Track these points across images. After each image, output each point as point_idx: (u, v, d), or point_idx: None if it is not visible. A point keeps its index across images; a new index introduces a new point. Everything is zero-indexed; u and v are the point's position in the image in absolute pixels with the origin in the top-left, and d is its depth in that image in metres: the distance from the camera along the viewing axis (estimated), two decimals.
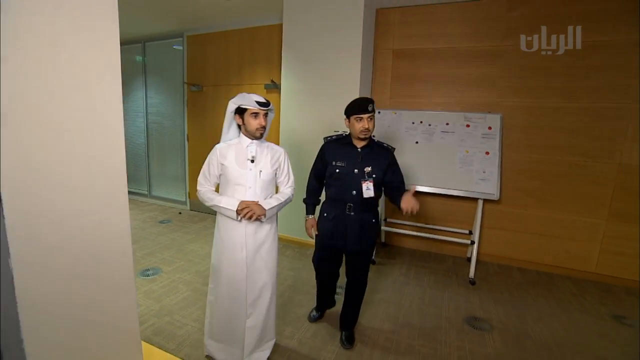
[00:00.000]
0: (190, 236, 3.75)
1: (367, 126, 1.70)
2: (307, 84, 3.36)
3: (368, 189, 1.73)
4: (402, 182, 1.84)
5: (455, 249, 3.43)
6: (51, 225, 1.07)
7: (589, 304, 2.60)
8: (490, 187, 2.96)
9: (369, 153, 1.78)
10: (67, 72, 1.06)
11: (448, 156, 3.13)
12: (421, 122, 3.29)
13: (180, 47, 4.55)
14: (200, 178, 1.65)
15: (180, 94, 4.66)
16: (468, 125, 3.12)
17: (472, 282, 2.88)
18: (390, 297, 2.59)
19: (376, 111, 3.55)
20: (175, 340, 1.97)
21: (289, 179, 1.75)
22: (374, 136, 1.89)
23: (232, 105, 1.60)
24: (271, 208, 1.61)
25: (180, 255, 3.22)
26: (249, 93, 1.58)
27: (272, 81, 3.86)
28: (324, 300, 2.20)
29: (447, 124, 3.18)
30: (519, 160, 3.11)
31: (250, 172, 1.59)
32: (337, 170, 1.78)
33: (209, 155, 1.64)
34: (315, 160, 1.93)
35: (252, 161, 1.60)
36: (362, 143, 1.79)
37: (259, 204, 1.57)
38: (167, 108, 4.86)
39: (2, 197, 0.93)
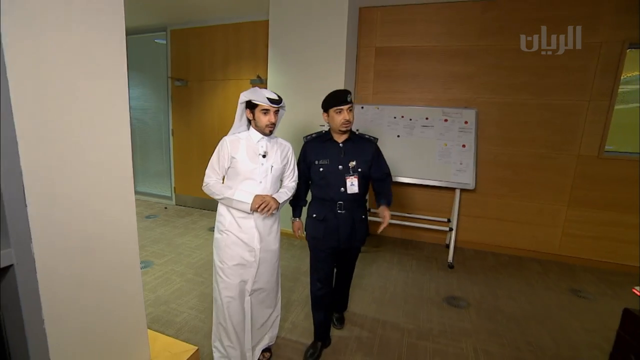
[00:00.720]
0: (178, 230, 3.77)
1: (347, 117, 1.64)
2: (293, 80, 3.45)
3: (352, 185, 1.69)
4: (388, 174, 1.82)
5: (435, 236, 3.66)
6: (66, 212, 1.15)
7: (552, 281, 2.89)
8: (466, 178, 3.19)
9: (351, 147, 1.72)
10: (78, 79, 1.13)
11: (428, 149, 3.33)
12: (402, 116, 3.46)
13: (164, 41, 4.50)
14: (208, 170, 1.62)
15: (164, 89, 4.62)
16: (446, 120, 3.33)
17: (451, 266, 3.11)
18: (375, 281, 2.77)
19: (359, 106, 3.76)
20: (173, 327, 2.05)
21: (294, 173, 1.77)
22: (357, 130, 1.89)
23: (242, 97, 1.58)
24: (283, 202, 1.66)
25: (170, 248, 3.26)
26: (261, 88, 1.57)
27: (258, 76, 3.91)
28: (322, 324, 1.91)
29: (427, 118, 3.38)
30: (492, 153, 3.36)
31: (262, 167, 1.60)
32: (321, 169, 1.72)
33: (217, 147, 1.61)
34: (298, 162, 1.83)
35: (264, 156, 1.61)
36: (343, 137, 1.73)
37: (273, 197, 1.60)
38: (151, 103, 4.79)
39: (25, 187, 0.99)
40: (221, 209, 1.66)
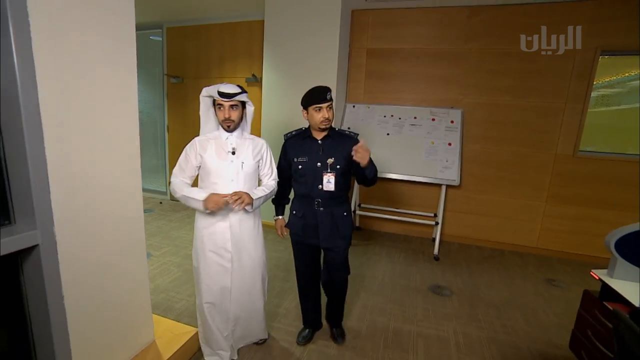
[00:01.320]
0: (174, 224, 3.86)
1: (327, 116, 1.61)
2: (287, 79, 3.57)
3: (329, 182, 1.66)
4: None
5: (422, 230, 3.84)
6: (83, 201, 1.26)
7: (529, 272, 3.09)
8: (452, 175, 3.37)
9: (330, 144, 1.70)
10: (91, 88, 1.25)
11: (416, 147, 3.50)
12: (392, 115, 3.62)
13: (159, 38, 4.56)
14: (175, 169, 1.59)
15: (160, 85, 4.68)
16: (433, 119, 3.50)
17: (437, 258, 3.29)
18: (365, 272, 2.92)
19: (351, 105, 3.89)
20: (173, 312, 2.17)
21: (272, 171, 1.74)
22: (344, 128, 1.87)
23: (203, 92, 1.55)
24: (258, 198, 1.59)
25: (167, 241, 3.35)
26: (223, 83, 1.51)
27: (253, 75, 4.02)
28: (309, 313, 2.02)
29: (415, 117, 3.54)
30: (477, 151, 3.54)
31: (232, 163, 1.56)
32: (300, 167, 1.71)
33: (186, 147, 1.59)
34: (279, 160, 1.82)
35: (233, 153, 1.57)
36: (322, 134, 1.70)
37: (247, 193, 1.54)
38: (145, 99, 4.85)
39: (49, 176, 1.10)
40: (196, 212, 1.63)
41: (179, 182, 1.56)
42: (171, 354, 1.66)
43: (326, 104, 1.61)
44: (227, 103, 1.50)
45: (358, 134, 1.76)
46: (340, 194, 1.73)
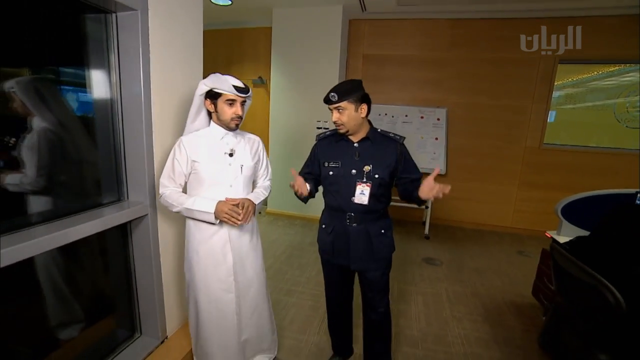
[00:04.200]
0: None
1: (334, 119, 1.40)
2: (294, 81, 3.98)
3: (362, 194, 1.40)
4: (418, 180, 1.45)
5: (414, 214, 4.35)
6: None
7: (504, 246, 3.66)
8: (439, 165, 3.88)
9: (368, 148, 1.44)
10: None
11: (407, 141, 3.87)
12: (386, 114, 4.10)
13: None
14: (162, 179, 1.36)
15: None
16: (422, 117, 4.00)
17: (427, 237, 3.80)
18: None
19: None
20: None
21: (267, 172, 1.59)
22: (379, 129, 1.54)
23: (202, 87, 1.32)
24: (259, 203, 1.45)
25: None
26: (223, 74, 1.31)
27: (259, 77, 4.39)
28: (338, 340, 1.78)
29: (406, 115, 4.04)
30: (460, 144, 4.07)
31: (230, 167, 1.37)
32: (331, 173, 1.46)
33: (172, 151, 1.35)
34: (306, 163, 1.59)
35: (231, 155, 1.38)
36: (360, 135, 1.45)
37: (249, 199, 1.37)
38: None
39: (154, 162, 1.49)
40: (189, 223, 1.41)
41: (172, 192, 1.35)
42: None
43: (333, 106, 1.38)
44: (240, 98, 1.33)
45: (404, 138, 1.50)
46: (377, 207, 1.45)
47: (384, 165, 1.42)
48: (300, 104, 3.98)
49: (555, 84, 3.68)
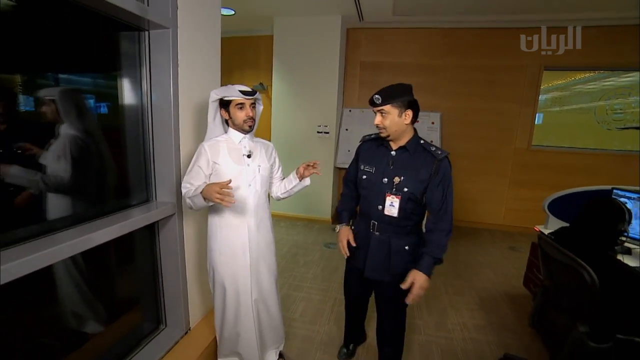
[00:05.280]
0: None
1: (376, 122, 1.36)
2: (294, 88, 4.15)
3: (392, 205, 1.35)
4: (442, 209, 1.35)
5: None
6: None
7: (497, 242, 3.87)
8: None
9: (405, 158, 1.38)
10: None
11: None
12: None
13: None
14: (185, 182, 1.45)
15: None
16: (418, 121, 4.16)
17: None
18: None
19: (347, 109, 4.48)
20: None
21: (282, 175, 1.72)
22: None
23: (213, 95, 1.45)
24: (293, 187, 1.63)
25: None
26: (233, 85, 1.44)
27: (260, 84, 4.54)
28: (351, 332, 1.86)
29: None
30: (454, 146, 4.24)
31: (249, 167, 1.48)
32: (364, 177, 1.46)
33: (195, 155, 1.46)
34: (350, 165, 1.62)
35: (249, 156, 1.49)
36: (399, 143, 1.39)
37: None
38: None
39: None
40: (211, 223, 1.55)
41: (189, 191, 1.42)
42: None
43: (376, 108, 1.35)
44: (249, 101, 1.43)
45: (448, 153, 1.38)
46: (406, 223, 1.39)
47: (416, 180, 1.35)
48: (301, 110, 4.14)
49: (542, 87, 3.93)
